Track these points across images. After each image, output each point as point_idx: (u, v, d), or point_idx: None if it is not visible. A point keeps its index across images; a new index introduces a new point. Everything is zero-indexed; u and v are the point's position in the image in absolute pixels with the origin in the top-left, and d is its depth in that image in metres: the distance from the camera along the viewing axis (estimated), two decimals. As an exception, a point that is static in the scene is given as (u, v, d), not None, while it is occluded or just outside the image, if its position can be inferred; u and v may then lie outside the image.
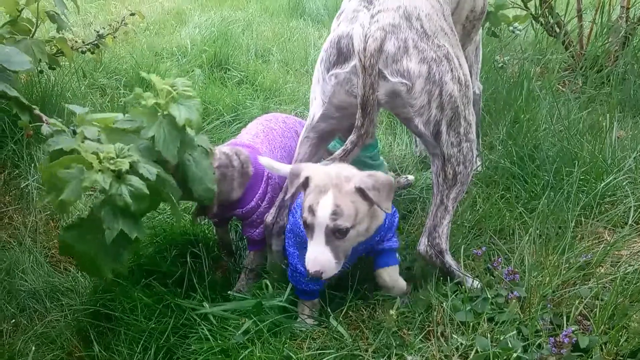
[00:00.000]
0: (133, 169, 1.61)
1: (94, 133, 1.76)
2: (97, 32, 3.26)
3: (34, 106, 1.97)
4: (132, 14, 3.29)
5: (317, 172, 1.82)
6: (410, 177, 2.87)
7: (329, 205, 1.74)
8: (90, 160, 1.56)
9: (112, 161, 1.58)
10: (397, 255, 2.10)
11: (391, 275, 2.02)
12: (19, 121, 1.91)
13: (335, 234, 1.76)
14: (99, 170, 1.56)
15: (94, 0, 6.16)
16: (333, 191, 1.76)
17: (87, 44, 3.25)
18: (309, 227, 1.78)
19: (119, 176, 1.58)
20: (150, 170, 1.63)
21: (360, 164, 2.57)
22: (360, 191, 1.78)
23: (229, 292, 2.19)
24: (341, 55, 1.91)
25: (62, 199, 1.52)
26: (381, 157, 2.71)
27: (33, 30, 2.85)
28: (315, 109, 2.07)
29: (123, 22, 3.29)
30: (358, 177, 1.81)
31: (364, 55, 1.80)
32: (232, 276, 2.35)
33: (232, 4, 6.35)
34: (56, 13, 2.90)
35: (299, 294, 2.04)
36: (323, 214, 1.74)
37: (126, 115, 1.78)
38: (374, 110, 1.86)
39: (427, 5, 1.93)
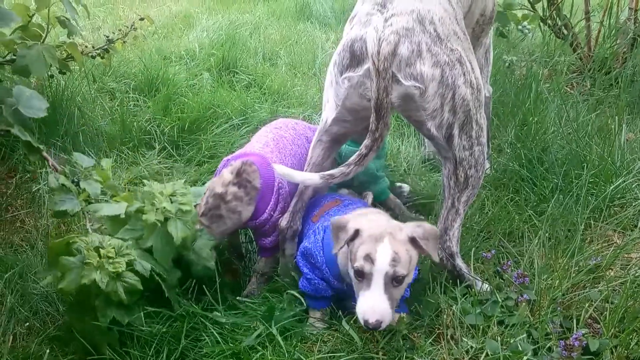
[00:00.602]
0: (130, 266, 1.87)
1: (97, 189, 2.08)
2: (107, 36, 3.28)
3: (42, 147, 2.14)
4: (142, 19, 3.31)
5: (367, 222, 1.83)
6: (405, 187, 2.86)
7: (388, 252, 1.75)
8: (91, 259, 1.81)
9: (110, 261, 1.82)
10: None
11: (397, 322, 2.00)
12: (28, 163, 2.07)
13: (392, 282, 1.76)
14: (97, 269, 1.81)
15: (103, 5, 6.20)
16: (389, 238, 1.77)
17: (97, 49, 3.27)
18: (366, 276, 1.77)
19: (114, 275, 1.83)
20: (145, 266, 1.89)
21: (363, 175, 2.58)
22: (413, 240, 1.80)
23: (238, 297, 2.21)
24: (354, 58, 1.92)
25: (61, 287, 1.80)
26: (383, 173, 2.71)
27: (44, 35, 2.87)
28: (328, 112, 2.08)
29: (132, 27, 3.31)
30: (409, 226, 1.83)
31: (377, 58, 1.81)
32: (242, 279, 2.36)
33: (240, 7, 6.38)
34: (66, 18, 2.93)
35: (310, 301, 2.06)
36: (383, 261, 1.74)
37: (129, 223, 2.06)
38: (387, 114, 1.86)
39: (441, 9, 1.93)
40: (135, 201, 2.04)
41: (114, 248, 1.86)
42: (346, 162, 1.95)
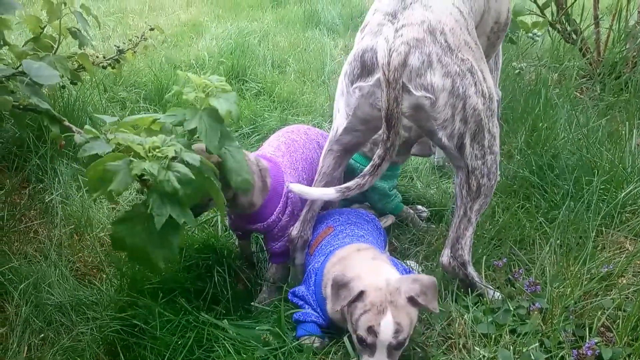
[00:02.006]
0: (177, 158, 1.67)
1: (128, 136, 1.83)
2: (117, 47, 3.30)
3: (63, 118, 2.04)
4: (152, 29, 3.33)
5: (371, 286, 1.81)
6: (423, 210, 2.84)
7: (391, 325, 1.75)
8: (137, 150, 1.63)
9: (157, 150, 1.65)
10: None
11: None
12: (51, 133, 1.97)
13: (395, 348, 1.78)
14: (146, 158, 1.63)
15: (113, 14, 6.25)
16: (391, 309, 1.76)
17: (108, 59, 3.29)
18: (369, 346, 1.78)
19: (165, 164, 1.64)
20: (193, 157, 1.70)
21: (376, 194, 2.58)
22: (412, 300, 1.80)
23: (251, 303, 2.23)
24: (365, 68, 1.93)
25: (111, 189, 1.59)
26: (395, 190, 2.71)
27: (55, 46, 2.90)
28: (339, 122, 2.10)
29: (143, 37, 3.33)
30: (405, 284, 1.81)
31: (388, 69, 1.82)
32: (254, 288, 2.37)
33: (248, 14, 6.41)
34: (78, 29, 2.96)
35: (303, 329, 2.01)
36: (386, 334, 1.75)
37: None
38: (398, 124, 1.87)
39: (451, 20, 1.94)
40: (174, 87, 1.94)
41: (159, 140, 1.70)
42: (361, 174, 1.96)
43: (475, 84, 1.92)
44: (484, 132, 1.99)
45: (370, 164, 1.95)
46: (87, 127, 1.82)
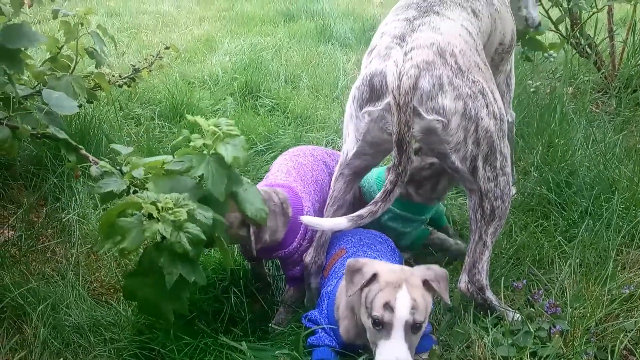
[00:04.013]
0: (190, 216, 1.70)
1: (141, 173, 1.85)
2: (133, 66, 3.33)
3: (80, 146, 2.06)
4: (167, 48, 3.36)
5: (382, 266, 1.81)
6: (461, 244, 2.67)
7: (408, 300, 1.72)
8: (150, 211, 1.66)
9: (170, 211, 1.67)
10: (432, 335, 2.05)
11: (429, 354, 1.96)
12: (67, 163, 1.99)
13: (412, 329, 1.73)
14: (158, 220, 1.66)
15: (127, 29, 6.31)
16: (407, 285, 1.75)
17: (124, 78, 3.33)
18: (385, 325, 1.73)
19: (177, 224, 1.67)
20: (206, 215, 1.73)
21: (407, 223, 2.53)
22: (426, 284, 1.79)
23: (269, 324, 2.22)
24: (374, 92, 1.91)
25: (124, 247, 1.63)
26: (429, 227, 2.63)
27: (72, 66, 2.93)
28: (349, 146, 2.08)
29: (158, 55, 3.36)
30: (420, 270, 1.82)
31: (398, 93, 1.80)
32: (271, 308, 2.36)
33: (261, 29, 6.45)
34: (94, 49, 2.99)
35: (317, 353, 1.98)
36: (403, 310, 1.71)
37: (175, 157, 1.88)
38: (410, 148, 1.86)
39: (461, 41, 1.93)
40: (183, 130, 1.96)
41: (171, 200, 1.74)
42: (373, 201, 1.94)
43: (487, 106, 1.91)
44: (496, 154, 1.97)
45: (382, 190, 1.93)
46: (102, 163, 1.86)
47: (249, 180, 2.03)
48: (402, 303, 1.72)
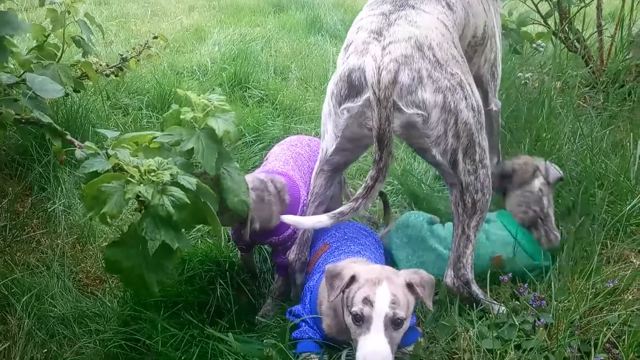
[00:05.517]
0: (173, 181, 1.65)
1: (127, 155, 1.82)
2: (121, 55, 3.30)
3: (65, 132, 2.03)
4: (155, 37, 3.33)
5: (363, 269, 1.80)
6: None
7: (387, 294, 1.71)
8: (132, 173, 1.61)
9: (153, 174, 1.62)
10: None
11: (414, 347, 1.97)
12: (53, 147, 1.96)
13: (392, 325, 1.71)
14: (141, 182, 1.60)
15: (115, 18, 6.25)
16: (387, 282, 1.74)
17: (111, 67, 3.29)
18: (365, 319, 1.72)
19: (160, 188, 1.62)
20: (189, 180, 1.67)
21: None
22: (410, 286, 1.79)
23: (255, 316, 2.22)
24: (353, 88, 1.89)
25: (105, 211, 1.57)
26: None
27: (59, 54, 2.90)
28: (328, 143, 2.07)
29: (146, 45, 3.33)
30: (405, 272, 1.82)
31: (378, 88, 1.79)
32: (257, 300, 2.36)
33: (250, 20, 6.41)
34: (81, 38, 2.96)
35: (301, 347, 1.98)
36: (382, 303, 1.71)
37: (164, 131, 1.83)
38: (390, 143, 1.85)
39: (438, 34, 1.92)
40: (173, 106, 1.91)
41: (154, 163, 1.68)
42: (354, 197, 1.92)
43: (466, 98, 1.91)
44: (475, 147, 1.98)
45: (363, 185, 1.92)
46: (87, 143, 1.82)
47: (238, 166, 2.00)
48: (382, 297, 1.71)
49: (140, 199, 1.64)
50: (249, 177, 2.16)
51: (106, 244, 2.55)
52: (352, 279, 1.77)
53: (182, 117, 1.80)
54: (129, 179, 1.63)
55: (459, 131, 1.91)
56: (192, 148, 1.80)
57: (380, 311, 1.71)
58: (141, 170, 1.64)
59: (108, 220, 1.68)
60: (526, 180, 2.47)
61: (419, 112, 1.84)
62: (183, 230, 1.75)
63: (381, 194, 2.69)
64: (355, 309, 1.72)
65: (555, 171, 2.49)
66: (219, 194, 1.89)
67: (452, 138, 1.91)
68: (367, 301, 1.71)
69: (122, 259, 1.70)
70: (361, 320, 1.73)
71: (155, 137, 1.87)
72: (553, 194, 2.52)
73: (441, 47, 1.90)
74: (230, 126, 1.82)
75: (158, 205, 1.61)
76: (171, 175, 1.65)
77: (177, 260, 1.75)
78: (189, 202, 1.65)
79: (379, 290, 1.72)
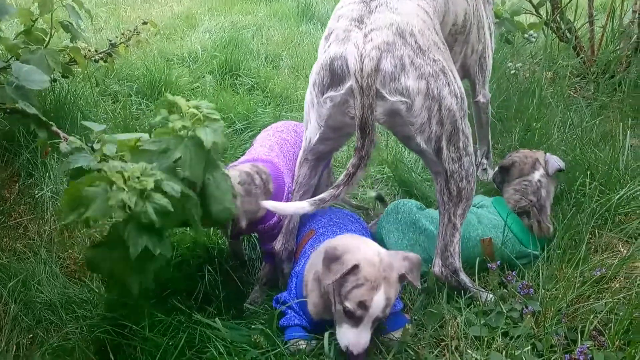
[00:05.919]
0: (157, 187, 1.63)
1: (113, 150, 1.80)
2: (110, 41, 3.27)
3: (51, 123, 2.01)
4: (145, 23, 3.31)
5: (365, 261, 1.79)
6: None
7: (382, 300, 1.76)
8: (115, 180, 1.58)
9: (137, 180, 1.60)
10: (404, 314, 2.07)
11: (402, 333, 1.98)
12: (38, 139, 1.94)
13: (378, 321, 1.80)
14: (124, 188, 1.58)
15: (105, 5, 6.19)
16: (384, 285, 1.76)
17: (100, 53, 3.26)
18: (357, 318, 1.77)
19: (143, 194, 1.60)
20: (174, 187, 1.65)
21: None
22: (402, 277, 1.81)
23: (243, 303, 2.21)
24: (335, 77, 1.88)
25: (88, 216, 1.54)
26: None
27: (47, 39, 2.87)
28: (311, 132, 2.06)
29: (135, 31, 3.30)
30: (397, 262, 1.82)
31: (360, 75, 1.77)
32: (246, 287, 2.36)
33: (242, 8, 6.36)
34: (70, 23, 2.92)
35: (289, 333, 2.00)
36: (376, 309, 1.76)
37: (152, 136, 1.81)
38: (372, 131, 1.83)
39: (419, 21, 1.90)
40: (161, 110, 1.86)
41: (138, 169, 1.66)
42: (335, 184, 1.90)
43: (449, 84, 1.90)
44: (459, 134, 1.97)
45: (345, 172, 1.90)
46: (72, 138, 1.80)
47: (225, 172, 1.99)
48: (377, 304, 1.75)
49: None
50: (235, 172, 2.13)
51: (94, 230, 2.57)
52: (354, 268, 1.77)
53: (170, 125, 1.77)
54: (113, 183, 1.61)
55: (443, 118, 1.90)
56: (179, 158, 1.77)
57: (373, 314, 1.76)
58: (125, 176, 1.62)
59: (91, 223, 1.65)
60: (525, 172, 2.50)
61: (403, 99, 1.83)
62: (166, 234, 1.74)
63: (381, 200, 2.72)
64: (349, 307, 1.76)
65: (554, 162, 2.51)
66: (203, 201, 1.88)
67: (436, 125, 1.90)
68: (363, 305, 1.75)
69: (104, 260, 1.69)
70: (352, 317, 1.77)
71: (140, 143, 1.85)
72: (555, 186, 2.54)
73: (423, 34, 1.88)
74: (218, 137, 1.78)
75: (141, 212, 1.59)
76: (155, 181, 1.63)
77: (161, 263, 1.73)
78: (172, 209, 1.63)
79: (377, 297, 1.75)
